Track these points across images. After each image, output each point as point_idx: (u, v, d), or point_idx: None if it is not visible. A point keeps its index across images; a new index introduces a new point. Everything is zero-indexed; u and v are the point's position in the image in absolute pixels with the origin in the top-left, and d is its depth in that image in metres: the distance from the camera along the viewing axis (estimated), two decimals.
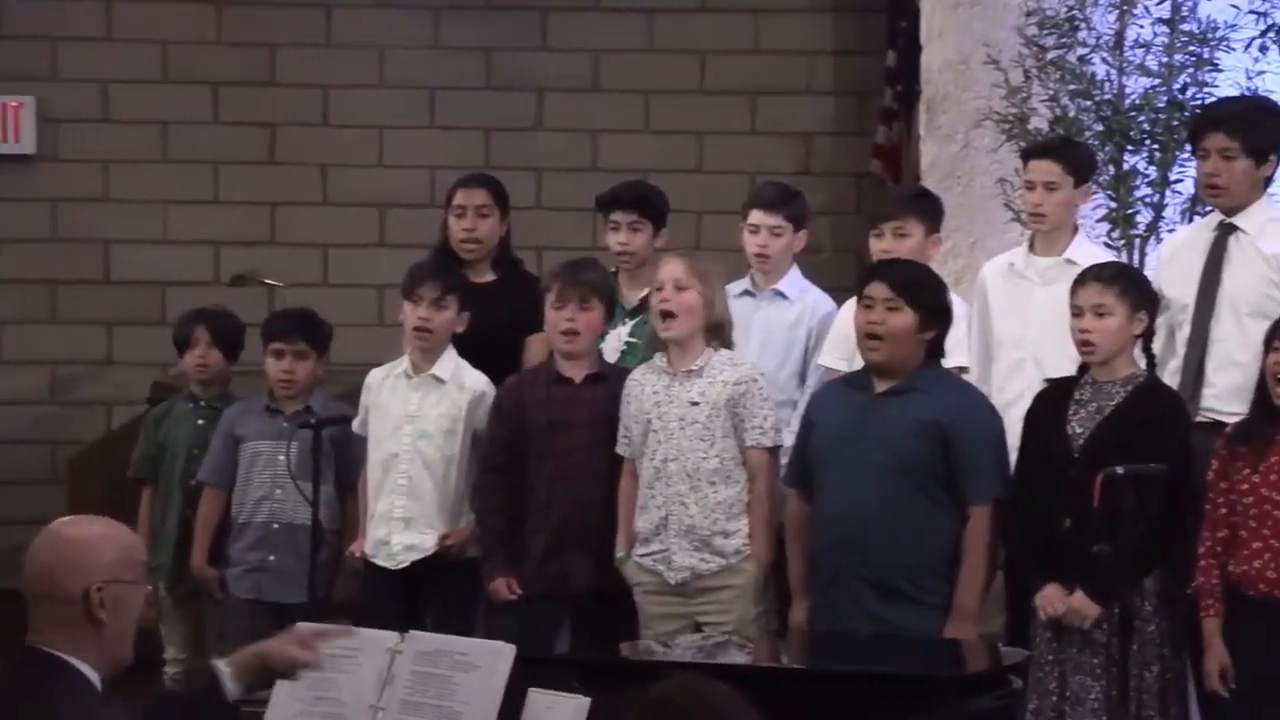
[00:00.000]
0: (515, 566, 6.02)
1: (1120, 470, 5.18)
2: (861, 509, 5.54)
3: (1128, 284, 5.64)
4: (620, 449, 5.96)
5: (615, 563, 5.95)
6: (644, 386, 5.92)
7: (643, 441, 5.90)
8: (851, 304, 6.34)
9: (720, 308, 5.92)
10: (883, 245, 6.24)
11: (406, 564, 6.19)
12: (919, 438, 5.54)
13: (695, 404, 5.83)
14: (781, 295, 6.43)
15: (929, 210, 6.35)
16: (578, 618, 5.97)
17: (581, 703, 4.14)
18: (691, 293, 5.85)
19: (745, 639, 5.67)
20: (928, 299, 5.66)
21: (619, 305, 6.51)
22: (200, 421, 6.74)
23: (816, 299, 6.46)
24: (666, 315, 5.86)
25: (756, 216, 6.43)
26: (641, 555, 5.90)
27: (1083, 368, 5.66)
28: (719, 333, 5.91)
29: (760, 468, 5.86)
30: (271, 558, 6.44)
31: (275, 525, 6.46)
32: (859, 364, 6.22)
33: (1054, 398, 5.67)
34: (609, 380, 6.05)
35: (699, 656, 5.32)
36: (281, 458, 6.30)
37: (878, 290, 5.61)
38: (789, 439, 6.09)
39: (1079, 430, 5.56)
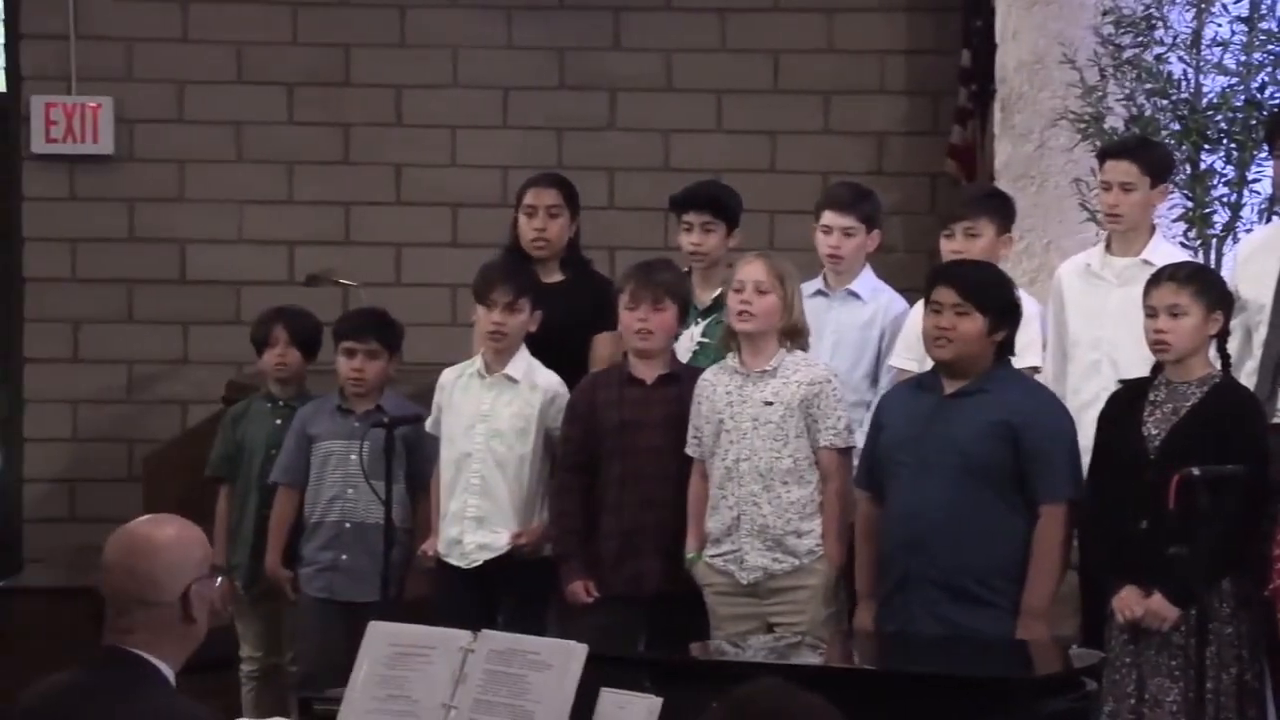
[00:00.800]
0: (591, 568, 6.02)
1: (1196, 472, 5.14)
2: (931, 511, 5.52)
3: (1203, 284, 5.60)
4: (690, 449, 5.96)
5: (685, 563, 5.94)
6: (716, 387, 5.91)
7: (714, 442, 5.89)
8: (923, 305, 6.32)
9: (798, 312, 5.91)
10: (954, 245, 6.22)
11: (479, 563, 6.21)
12: (989, 439, 5.51)
13: (769, 404, 5.83)
14: (855, 296, 6.41)
15: (1001, 210, 6.32)
16: (650, 619, 5.96)
17: (654, 703, 4.14)
18: (771, 296, 5.85)
19: (818, 639, 5.66)
20: (996, 301, 5.63)
21: (691, 305, 6.50)
22: (278, 421, 6.76)
23: (890, 299, 6.43)
24: (745, 315, 5.85)
25: (829, 217, 6.41)
26: (713, 556, 5.89)
27: (1157, 368, 5.62)
28: (795, 336, 5.90)
29: (834, 468, 5.85)
30: (344, 557, 6.47)
31: (347, 524, 6.48)
32: (930, 365, 6.21)
33: (1128, 399, 5.63)
34: (681, 381, 6.05)
35: (771, 657, 5.32)
36: (353, 457, 6.32)
37: (946, 295, 5.59)
38: (861, 440, 6.07)
39: (1154, 432, 5.52)
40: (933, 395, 5.63)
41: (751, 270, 5.87)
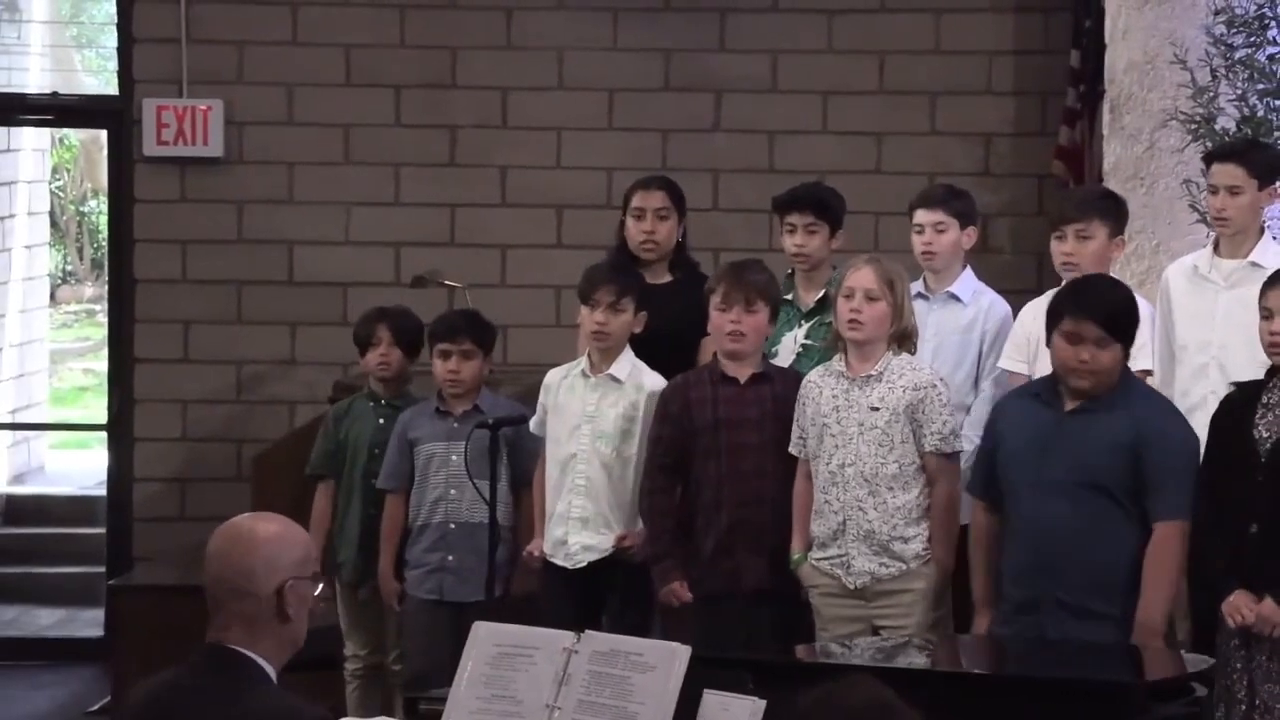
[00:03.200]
0: (686, 567, 6.01)
1: None
2: (1060, 533, 5.43)
3: None
4: (794, 449, 5.95)
5: (791, 564, 5.93)
6: (822, 390, 5.90)
7: (818, 444, 5.87)
8: (1032, 307, 6.28)
9: (908, 315, 5.88)
10: (1065, 248, 6.17)
11: (584, 564, 6.22)
12: (1114, 456, 5.43)
13: (875, 409, 5.80)
14: (955, 298, 6.38)
15: (1113, 212, 6.27)
16: (748, 617, 5.95)
17: (757, 705, 4.13)
18: (881, 304, 5.82)
19: (926, 641, 5.63)
20: (1131, 326, 5.57)
21: (795, 307, 6.49)
22: (381, 420, 6.80)
23: (991, 302, 6.39)
24: (855, 324, 5.83)
25: (920, 215, 6.43)
26: (819, 559, 5.88)
27: (1272, 371, 5.55)
28: (905, 341, 5.88)
29: (940, 473, 5.82)
30: (450, 558, 6.50)
31: (452, 525, 6.52)
32: (1041, 368, 6.16)
33: (1242, 401, 5.56)
34: (773, 380, 6.04)
35: (877, 659, 5.29)
36: (455, 458, 6.35)
37: (1089, 330, 5.44)
38: (967, 445, 6.03)
39: (1265, 435, 5.45)
40: (1052, 410, 5.53)
41: (861, 277, 5.84)
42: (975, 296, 6.41)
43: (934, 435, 5.80)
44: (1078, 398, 5.49)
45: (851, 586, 5.82)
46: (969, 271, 6.45)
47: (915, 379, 5.83)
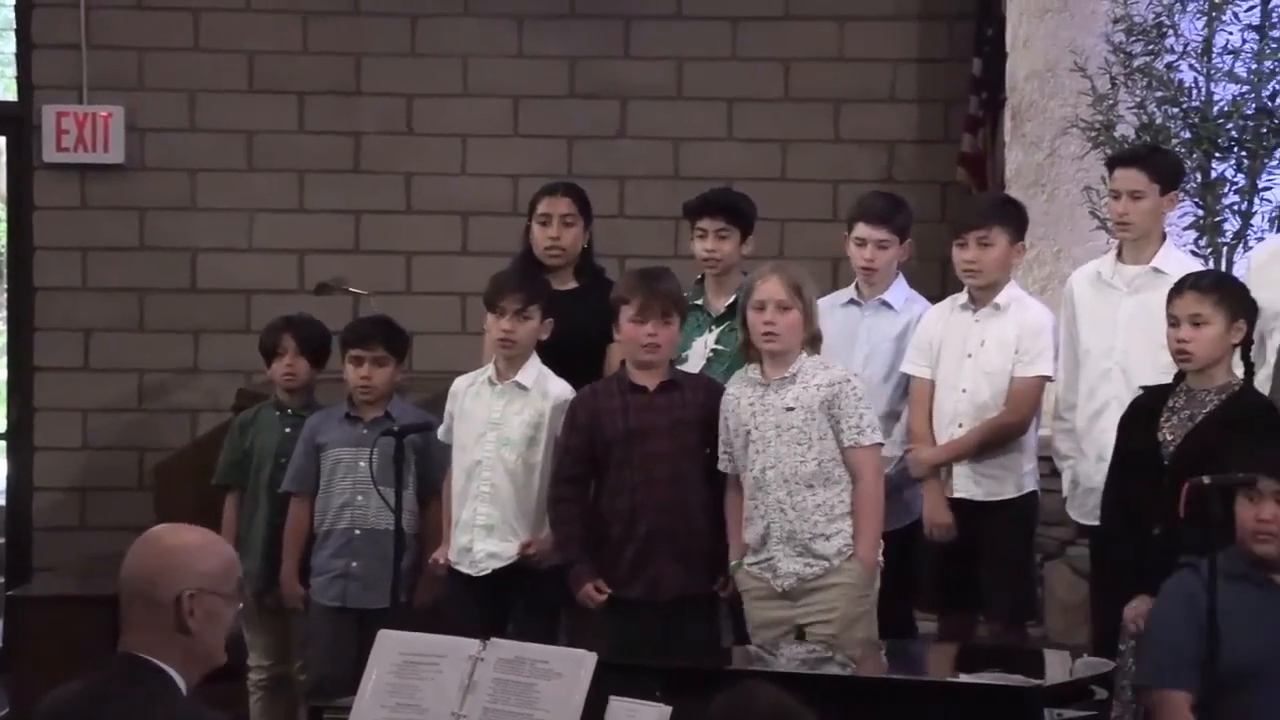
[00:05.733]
0: (601, 573, 6.01)
1: (1207, 480, 5.12)
2: None
3: (1225, 293, 5.58)
4: (722, 465, 5.95)
5: (729, 570, 5.95)
6: (739, 400, 5.92)
7: (744, 454, 5.89)
8: (936, 311, 6.33)
9: (815, 319, 5.91)
10: (967, 255, 6.22)
11: (489, 571, 6.20)
12: None
13: (790, 409, 5.82)
14: (887, 306, 6.41)
15: (1014, 219, 6.32)
16: (665, 625, 5.95)
17: (663, 711, 4.13)
18: (794, 312, 5.84)
19: (848, 658, 5.61)
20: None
21: (705, 312, 6.50)
22: (287, 429, 6.77)
23: (922, 310, 6.42)
24: (770, 335, 5.84)
25: (863, 230, 6.39)
26: (750, 564, 5.89)
27: (1179, 375, 5.60)
28: (815, 343, 5.91)
29: (862, 467, 5.83)
30: (355, 564, 6.47)
31: (357, 532, 6.49)
32: (943, 373, 6.21)
33: (1148, 405, 5.61)
34: (682, 387, 6.05)
35: (795, 666, 5.31)
36: (362, 464, 6.33)
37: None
38: (896, 450, 6.09)
39: (1170, 438, 5.51)
40: (1262, 590, 5.02)
41: (770, 288, 5.86)
42: (907, 304, 6.44)
43: (851, 429, 5.82)
44: (1268, 570, 5.04)
45: (779, 589, 5.83)
46: (901, 279, 6.48)
47: (828, 376, 5.85)
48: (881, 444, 5.91)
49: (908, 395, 6.32)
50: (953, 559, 6.21)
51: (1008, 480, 6.19)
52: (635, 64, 9.09)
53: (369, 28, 9.07)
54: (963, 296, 6.31)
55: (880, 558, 5.86)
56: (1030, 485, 6.23)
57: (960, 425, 6.20)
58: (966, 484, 6.21)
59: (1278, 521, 4.99)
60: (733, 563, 5.95)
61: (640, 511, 5.97)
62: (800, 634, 5.79)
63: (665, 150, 9.06)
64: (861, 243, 6.38)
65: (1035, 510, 6.29)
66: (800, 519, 5.81)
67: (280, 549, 6.65)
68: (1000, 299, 6.24)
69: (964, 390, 6.21)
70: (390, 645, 4.40)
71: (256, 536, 6.74)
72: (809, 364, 5.87)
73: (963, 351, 6.22)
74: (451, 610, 6.20)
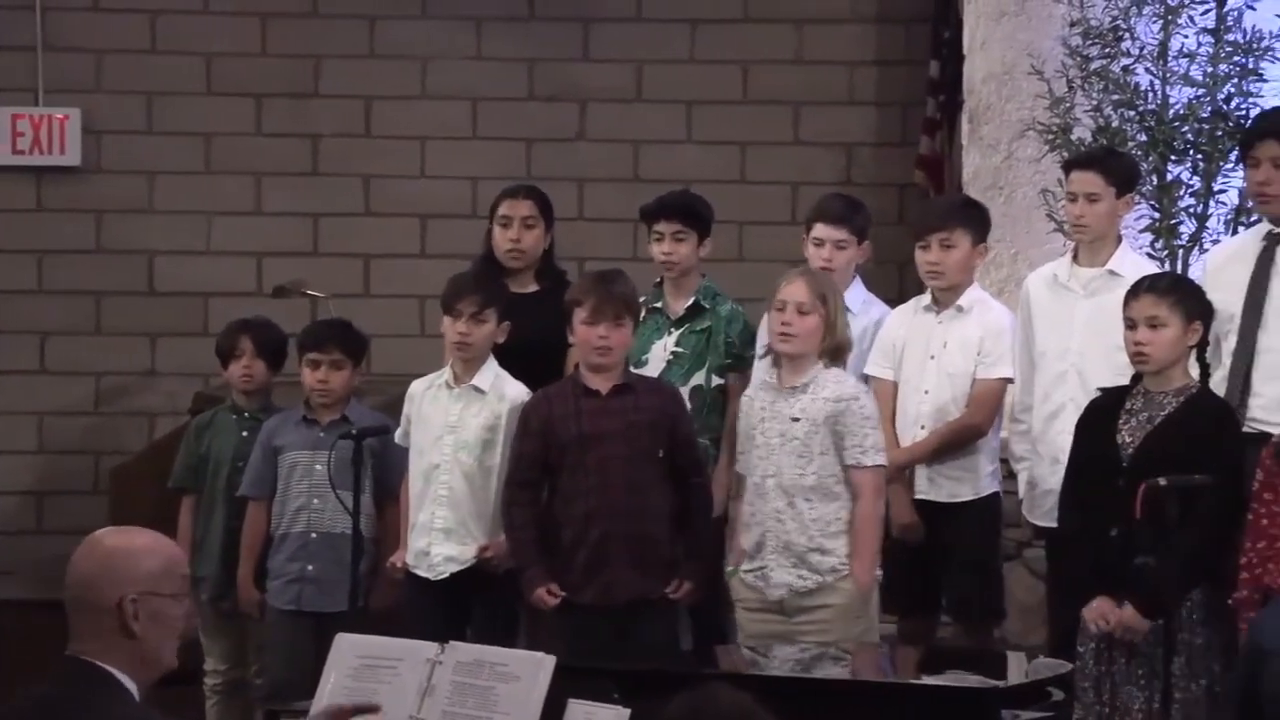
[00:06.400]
0: (554, 576, 6.00)
1: (1163, 482, 5.15)
2: None
3: (1182, 295, 5.61)
4: (739, 467, 5.94)
5: (725, 576, 5.93)
6: (753, 401, 5.91)
7: (749, 457, 5.88)
8: (899, 313, 6.35)
9: (841, 329, 5.87)
10: (929, 256, 6.24)
11: (446, 575, 6.19)
12: None
13: (796, 420, 5.80)
14: (845, 309, 6.41)
15: (976, 220, 6.34)
16: (621, 629, 5.95)
17: (621, 713, 4.13)
18: (813, 317, 5.81)
19: (843, 650, 5.61)
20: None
21: (664, 315, 6.50)
22: (244, 433, 6.75)
23: (881, 313, 6.44)
24: (786, 336, 5.82)
25: (821, 230, 6.39)
26: (745, 571, 5.87)
27: (1136, 377, 5.63)
28: (838, 354, 5.87)
29: (861, 486, 5.79)
30: (311, 567, 6.46)
31: (314, 535, 6.48)
32: (906, 374, 6.22)
33: (1106, 407, 5.64)
34: (636, 391, 6.04)
35: (747, 668, 5.32)
36: (319, 467, 6.32)
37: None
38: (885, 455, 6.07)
39: (1128, 440, 5.53)
40: None
41: (793, 290, 5.84)
42: (865, 307, 6.45)
43: (854, 448, 5.78)
44: None
45: (770, 599, 5.81)
46: (859, 282, 6.49)
47: (838, 391, 5.81)
48: (884, 465, 5.87)
49: None
50: (913, 561, 6.22)
51: (968, 482, 6.21)
52: (594, 66, 9.09)
53: (327, 30, 9.05)
54: (926, 298, 6.33)
55: (879, 572, 5.83)
56: (992, 487, 6.25)
57: (923, 427, 6.21)
58: (926, 485, 6.23)
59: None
60: (728, 569, 5.93)
61: (593, 515, 5.96)
62: None
63: (624, 152, 9.06)
64: (819, 243, 6.39)
65: (998, 511, 6.31)
66: (799, 530, 5.78)
67: (237, 553, 6.63)
68: (963, 301, 6.26)
69: (926, 392, 6.23)
70: (348, 648, 4.40)
71: (213, 540, 6.72)
72: (825, 376, 5.82)
73: (925, 353, 6.24)
74: (409, 614, 6.19)
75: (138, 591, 3.46)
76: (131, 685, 3.48)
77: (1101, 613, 5.46)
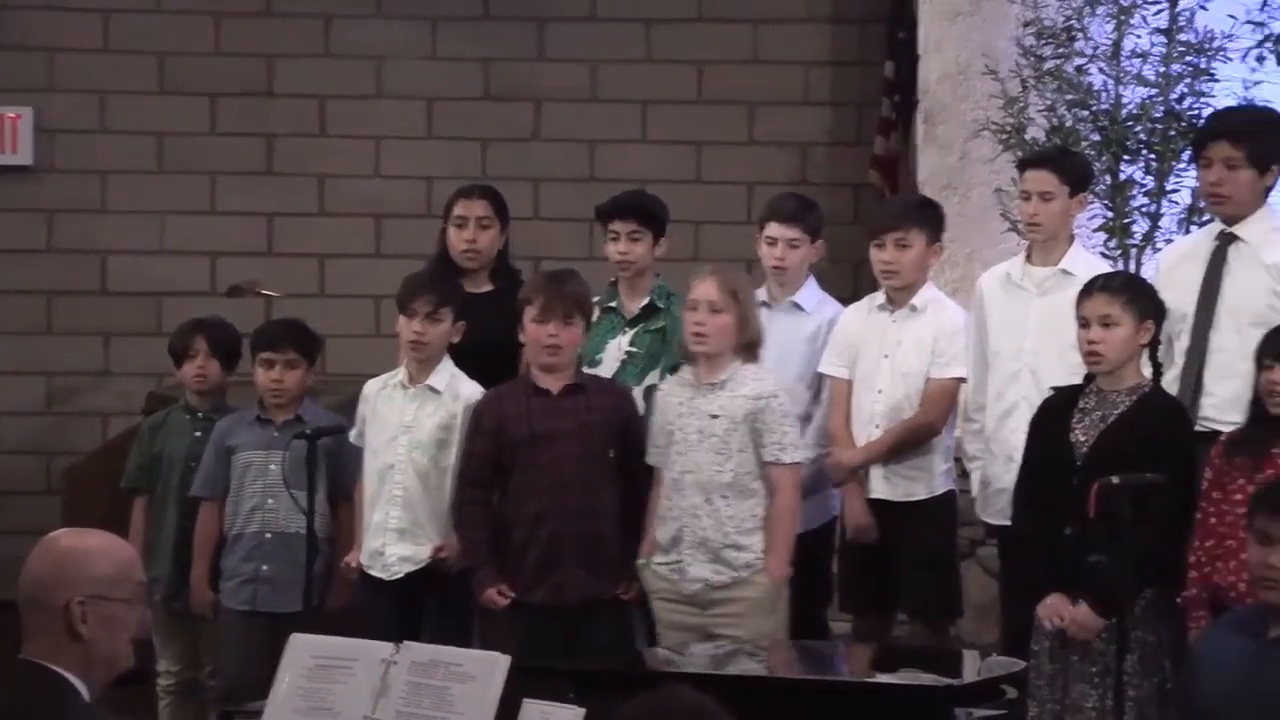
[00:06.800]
0: (505, 576, 6.00)
1: (1116, 480, 5.17)
2: None
3: (1135, 294, 5.64)
4: (649, 459, 5.95)
5: (637, 568, 5.94)
6: (670, 398, 5.92)
7: (666, 452, 5.90)
8: (853, 311, 6.37)
9: (754, 326, 5.90)
10: (884, 255, 6.25)
11: (401, 575, 6.18)
12: None
13: (715, 417, 5.82)
14: (798, 308, 6.43)
15: (931, 220, 6.36)
16: (573, 628, 5.95)
17: (576, 713, 4.14)
18: (726, 315, 5.84)
19: (758, 648, 5.65)
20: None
21: (619, 315, 6.50)
22: (197, 433, 6.72)
23: (834, 312, 6.45)
24: (699, 336, 5.83)
25: (774, 229, 6.41)
26: (659, 563, 5.90)
27: (1089, 376, 5.65)
28: (751, 350, 5.89)
29: (778, 483, 5.83)
30: (265, 568, 6.44)
31: (268, 535, 6.45)
32: (860, 372, 6.24)
33: (1059, 405, 5.65)
34: (588, 391, 6.04)
35: (706, 666, 5.32)
36: (273, 467, 6.30)
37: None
38: (808, 453, 6.10)
39: (1082, 439, 5.55)
40: (1257, 641, 4.69)
41: (704, 289, 5.86)
42: (819, 306, 6.46)
43: (773, 445, 5.82)
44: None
45: (685, 593, 5.84)
46: (812, 281, 6.50)
47: (757, 388, 5.84)
48: (800, 462, 5.92)
49: (819, 397, 6.34)
50: (869, 560, 6.24)
51: (922, 481, 6.23)
52: (549, 66, 9.09)
53: (281, 29, 9.02)
54: (880, 297, 6.34)
55: (790, 568, 5.86)
56: (946, 485, 6.27)
57: (877, 426, 6.23)
58: (881, 485, 6.24)
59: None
60: (641, 561, 5.94)
61: (544, 516, 5.96)
62: (711, 640, 5.79)
63: (580, 152, 9.06)
64: (772, 242, 6.40)
65: (953, 510, 6.33)
66: (715, 527, 5.81)
67: (190, 553, 6.60)
68: (917, 300, 6.27)
69: (880, 391, 6.24)
70: (302, 649, 4.39)
71: (166, 541, 6.69)
72: (742, 373, 5.86)
73: (880, 352, 6.26)
74: (364, 614, 6.18)
75: (86, 594, 3.43)
76: (82, 687, 3.45)
77: (1055, 609, 5.48)
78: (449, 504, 6.17)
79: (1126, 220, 7.11)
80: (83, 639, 3.43)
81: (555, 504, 5.96)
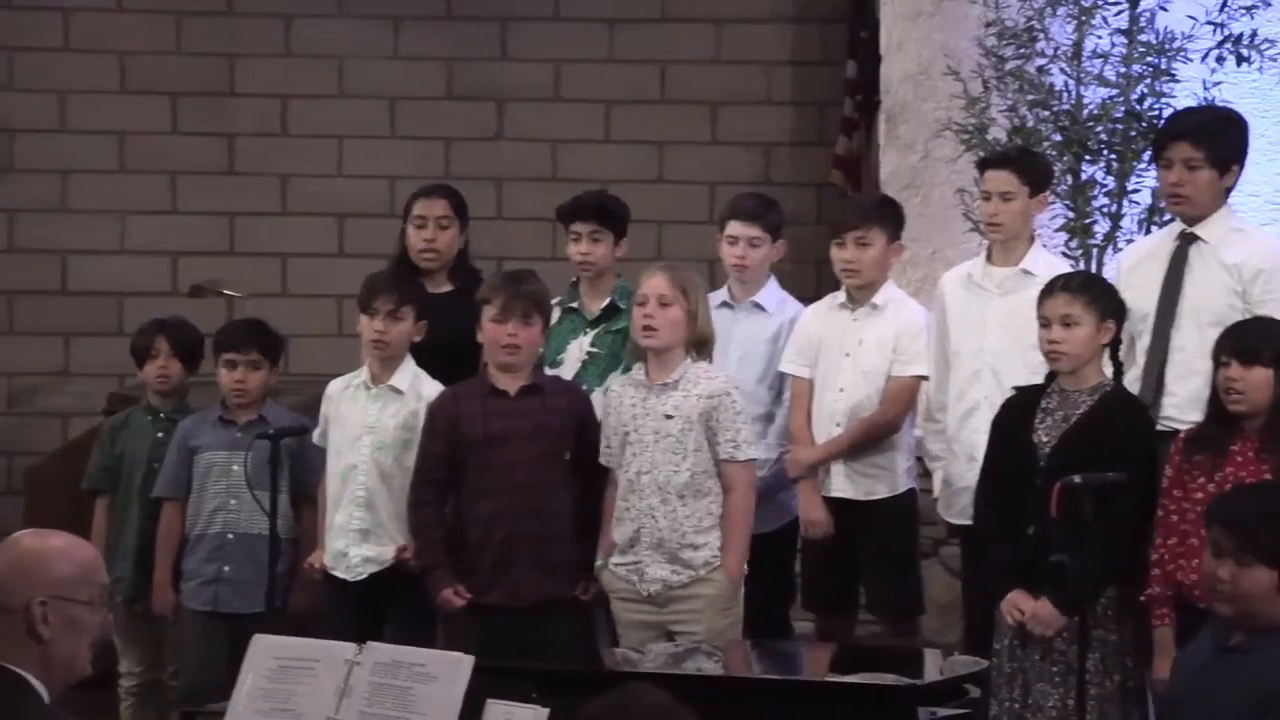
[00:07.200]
0: (461, 576, 5.99)
1: (1078, 480, 5.19)
2: None
3: (1096, 293, 5.65)
4: (603, 459, 5.95)
5: (594, 570, 5.94)
6: (623, 398, 5.91)
7: (620, 453, 5.89)
8: (814, 311, 6.37)
9: (704, 322, 5.89)
10: (845, 254, 6.26)
11: (364, 576, 6.17)
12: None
13: (669, 417, 5.82)
14: (760, 308, 6.43)
15: (891, 219, 6.37)
16: (529, 629, 5.94)
17: (540, 713, 4.14)
18: (675, 308, 5.83)
19: (714, 648, 5.66)
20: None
21: (580, 315, 6.50)
22: (159, 433, 6.70)
23: (796, 312, 6.46)
24: (649, 330, 5.83)
25: (735, 228, 6.42)
26: (617, 564, 5.89)
27: (1051, 376, 5.66)
28: (703, 348, 5.90)
29: (734, 481, 5.83)
30: (227, 569, 6.42)
31: (230, 536, 6.43)
32: (821, 372, 6.25)
33: (1021, 405, 5.67)
34: (544, 392, 6.04)
35: (666, 666, 5.33)
36: (236, 468, 6.29)
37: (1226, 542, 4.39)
38: (768, 453, 6.12)
39: (1045, 439, 5.56)
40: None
41: (654, 284, 5.86)
42: (780, 306, 6.47)
43: (727, 443, 5.82)
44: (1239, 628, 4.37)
45: (644, 594, 5.84)
46: (773, 281, 6.51)
47: (710, 387, 5.84)
48: (755, 460, 5.93)
49: (781, 397, 6.36)
50: (831, 559, 6.25)
51: (884, 479, 6.24)
52: (512, 65, 9.09)
53: (243, 28, 9.01)
54: (841, 295, 6.35)
55: (744, 568, 5.87)
56: (908, 483, 6.28)
57: (838, 424, 6.24)
58: (843, 483, 6.25)
59: (1237, 582, 4.26)
60: (599, 562, 5.94)
61: (498, 517, 5.95)
62: (670, 638, 5.80)
63: (543, 152, 9.07)
64: (733, 241, 6.41)
65: (915, 508, 6.34)
66: (671, 528, 5.81)
67: (152, 554, 6.58)
68: (878, 299, 6.29)
69: (842, 389, 6.25)
70: (265, 650, 4.38)
71: (128, 542, 6.67)
72: (694, 371, 5.86)
73: (841, 351, 6.27)
74: (327, 615, 6.16)
75: (47, 595, 3.41)
76: (43, 688, 3.44)
77: (1016, 604, 5.49)
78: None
79: (1087, 220, 7.13)
80: (43, 640, 3.41)
81: (510, 505, 5.94)
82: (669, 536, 5.81)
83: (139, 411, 6.83)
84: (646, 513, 5.83)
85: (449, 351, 6.32)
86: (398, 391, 6.20)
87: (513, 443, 5.95)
